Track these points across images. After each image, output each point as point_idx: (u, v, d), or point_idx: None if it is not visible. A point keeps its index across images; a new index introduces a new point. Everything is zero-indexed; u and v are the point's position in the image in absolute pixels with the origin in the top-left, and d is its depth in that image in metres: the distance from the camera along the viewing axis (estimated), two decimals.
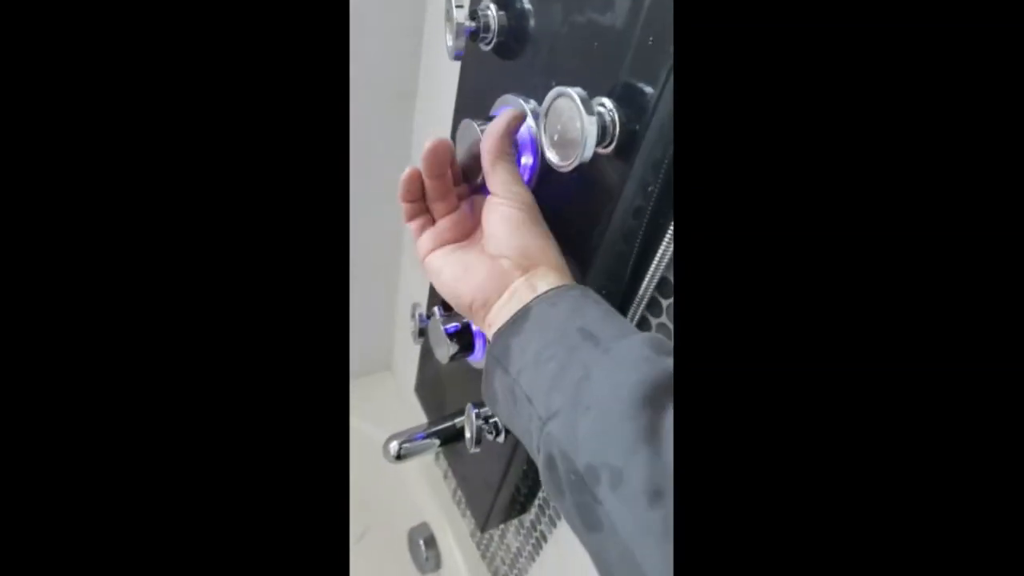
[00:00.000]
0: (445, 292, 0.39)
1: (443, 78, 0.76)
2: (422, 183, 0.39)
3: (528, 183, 0.43)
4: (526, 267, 0.37)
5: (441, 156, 0.38)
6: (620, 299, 0.42)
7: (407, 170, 0.38)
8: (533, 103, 0.42)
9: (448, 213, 0.41)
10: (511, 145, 0.38)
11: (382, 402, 1.17)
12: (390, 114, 0.86)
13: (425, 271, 0.40)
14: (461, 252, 0.39)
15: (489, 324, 0.37)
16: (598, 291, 0.37)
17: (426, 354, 0.78)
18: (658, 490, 0.26)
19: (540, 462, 0.32)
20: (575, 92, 0.33)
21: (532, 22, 0.41)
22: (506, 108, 0.42)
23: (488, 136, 0.38)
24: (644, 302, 0.42)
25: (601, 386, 0.30)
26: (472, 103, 0.51)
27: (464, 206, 0.41)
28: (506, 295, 0.36)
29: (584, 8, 0.36)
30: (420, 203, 0.41)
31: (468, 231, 0.40)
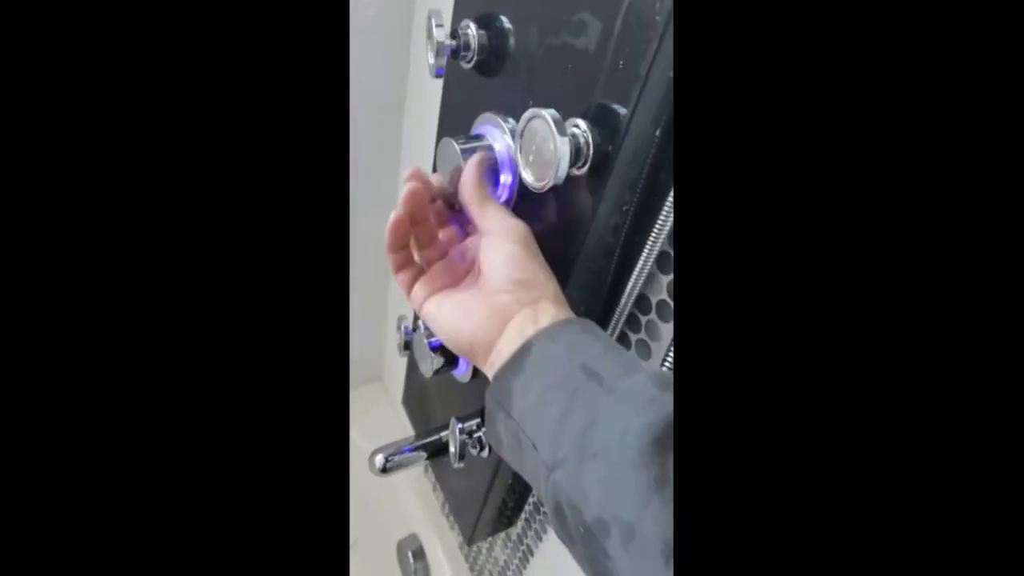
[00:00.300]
0: (444, 337, 0.38)
1: (429, 93, 0.77)
2: (407, 229, 0.39)
3: (508, 201, 0.43)
4: (525, 302, 0.35)
5: (419, 198, 0.38)
6: (600, 315, 0.43)
7: (391, 217, 0.38)
8: (512, 121, 0.43)
9: (437, 258, 0.40)
10: (488, 186, 0.39)
11: (372, 414, 1.17)
12: (379, 127, 0.87)
13: (422, 319, 0.39)
14: (457, 295, 0.38)
15: (491, 364, 0.36)
16: (576, 307, 0.37)
17: (412, 367, 0.78)
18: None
19: (549, 509, 0.31)
20: (548, 114, 0.34)
21: (511, 41, 0.42)
22: (477, 146, 0.42)
23: (464, 187, 0.38)
24: (623, 318, 0.42)
25: (607, 432, 0.28)
26: (455, 120, 0.51)
27: (454, 252, 0.40)
28: (507, 332, 0.35)
29: (559, 31, 0.37)
30: (406, 252, 0.40)
31: (461, 275, 0.40)
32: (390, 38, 0.78)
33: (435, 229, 0.41)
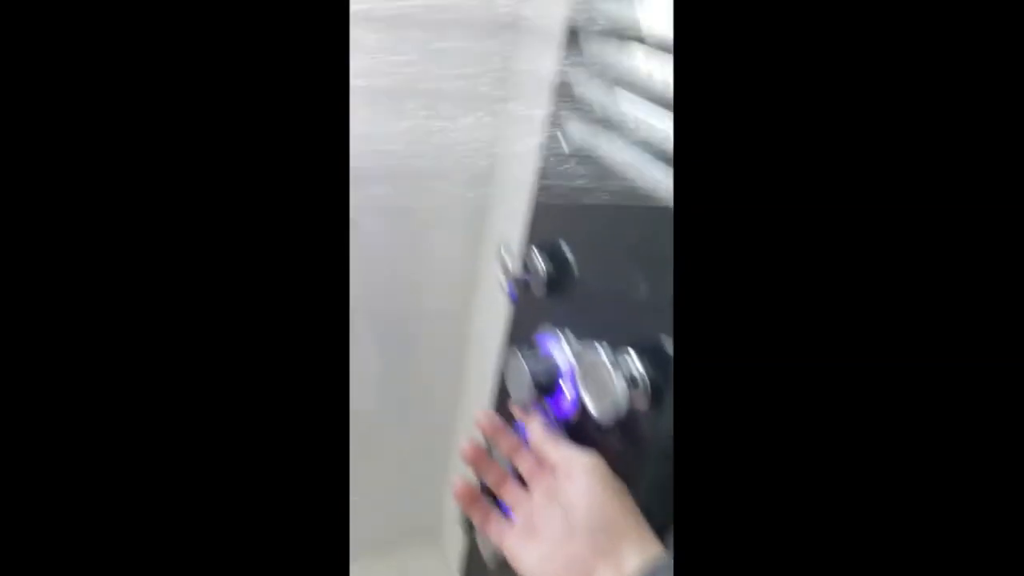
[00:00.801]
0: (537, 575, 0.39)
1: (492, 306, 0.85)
2: (473, 489, 0.43)
3: (570, 415, 0.48)
4: (607, 550, 0.36)
5: (478, 456, 0.44)
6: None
7: (455, 482, 0.43)
8: (571, 334, 0.48)
9: (516, 500, 0.43)
10: (552, 432, 0.43)
11: None
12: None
13: (516, 568, 0.41)
14: (540, 536, 0.39)
15: None
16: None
17: (473, 545, 0.77)
18: None
19: None
20: (605, 355, 0.39)
21: (574, 271, 0.49)
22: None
23: (533, 437, 0.43)
24: None
25: None
26: (519, 331, 0.57)
27: (535, 494, 0.43)
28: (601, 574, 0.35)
29: (614, 277, 0.43)
30: (482, 504, 0.44)
31: (544, 513, 0.41)
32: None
33: (505, 471, 0.45)
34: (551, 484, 0.41)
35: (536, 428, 0.43)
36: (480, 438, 0.48)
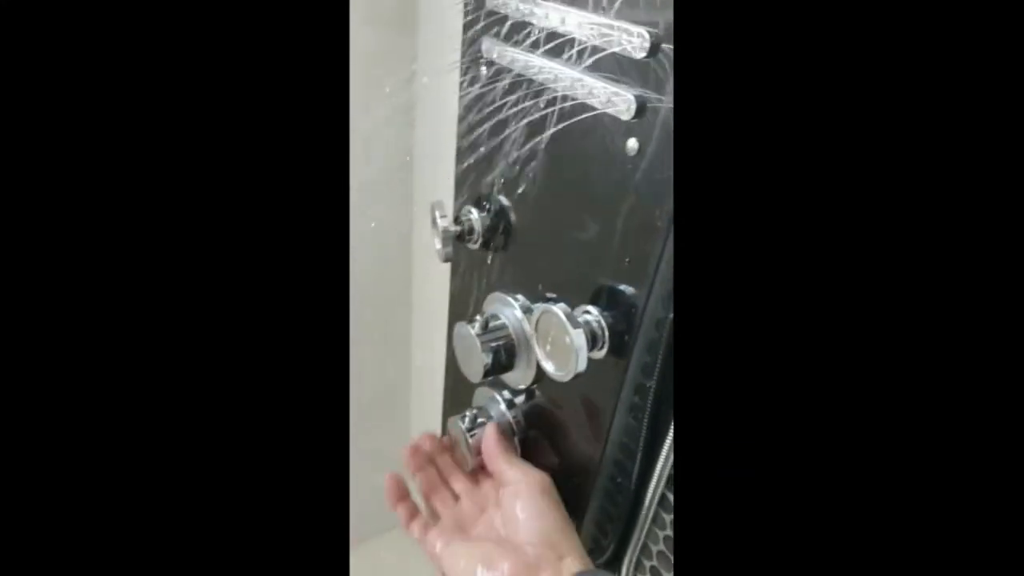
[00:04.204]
0: None
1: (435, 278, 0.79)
2: (404, 486, 0.43)
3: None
4: (551, 559, 0.36)
5: (420, 457, 0.44)
6: (631, 505, 0.41)
7: (386, 478, 0.43)
8: (522, 298, 0.43)
9: (448, 506, 0.43)
10: (507, 443, 0.42)
11: (395, 566, 1.11)
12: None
13: (440, 565, 0.40)
14: (477, 545, 0.38)
15: None
16: (611, 482, 0.36)
17: None
18: None
19: None
20: (559, 309, 0.34)
21: (513, 218, 0.43)
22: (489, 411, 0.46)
23: (485, 449, 0.42)
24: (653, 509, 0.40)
25: None
26: (463, 304, 0.52)
27: (464, 501, 0.43)
28: None
29: (561, 222, 0.38)
30: (409, 502, 0.43)
31: (474, 521, 0.41)
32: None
33: (442, 475, 0.45)
34: (487, 495, 0.42)
35: (489, 439, 0.42)
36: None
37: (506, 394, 0.47)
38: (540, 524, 0.37)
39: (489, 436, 0.42)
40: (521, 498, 0.38)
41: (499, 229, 0.45)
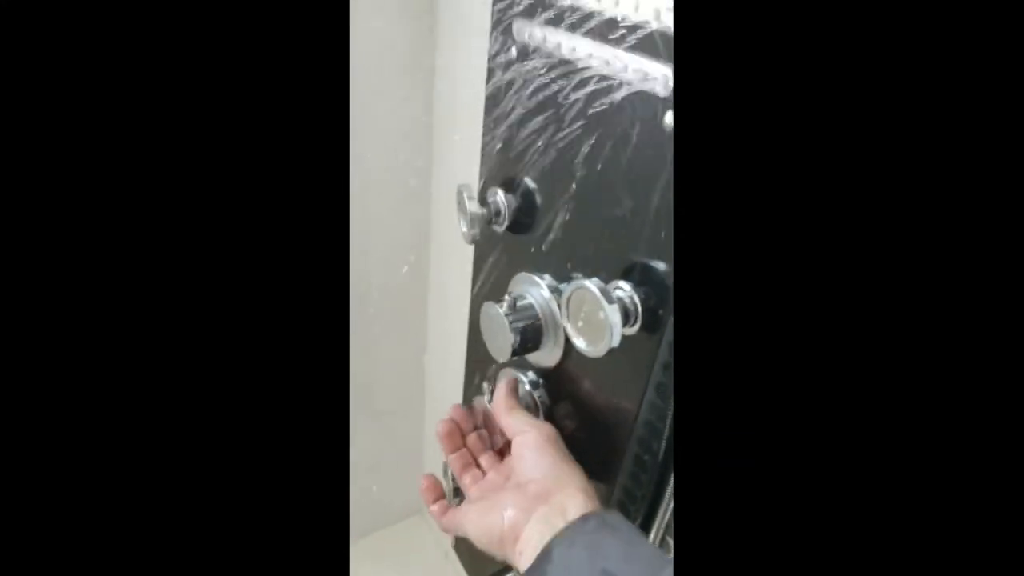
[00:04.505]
0: (477, 534, 0.39)
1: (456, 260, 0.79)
2: (439, 487, 0.45)
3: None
4: (553, 490, 0.37)
5: (454, 436, 0.46)
6: (656, 480, 0.41)
7: (423, 478, 0.45)
8: (548, 278, 0.44)
9: (476, 481, 0.44)
10: (516, 400, 0.43)
11: (415, 553, 1.12)
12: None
13: (463, 533, 0.41)
14: (487, 497, 0.40)
15: (519, 552, 0.36)
16: (637, 460, 0.36)
17: None
18: None
19: None
20: (593, 284, 0.35)
21: (539, 199, 0.44)
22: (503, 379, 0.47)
23: (496, 404, 0.43)
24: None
25: None
26: (490, 285, 0.52)
27: (490, 475, 0.44)
28: (534, 518, 0.36)
29: (591, 199, 0.38)
30: (443, 500, 0.45)
31: (498, 490, 0.42)
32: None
33: (472, 456, 0.46)
34: (511, 467, 0.42)
35: (500, 396, 0.43)
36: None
37: (531, 374, 0.48)
38: (544, 464, 0.38)
39: (500, 390, 0.44)
40: (528, 446, 0.39)
41: (526, 210, 0.45)
